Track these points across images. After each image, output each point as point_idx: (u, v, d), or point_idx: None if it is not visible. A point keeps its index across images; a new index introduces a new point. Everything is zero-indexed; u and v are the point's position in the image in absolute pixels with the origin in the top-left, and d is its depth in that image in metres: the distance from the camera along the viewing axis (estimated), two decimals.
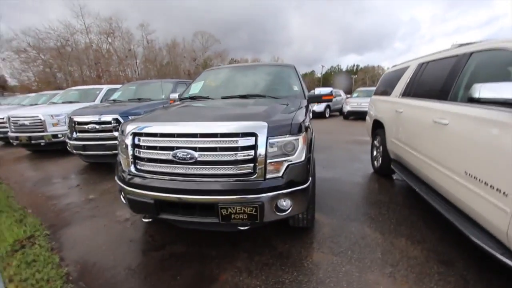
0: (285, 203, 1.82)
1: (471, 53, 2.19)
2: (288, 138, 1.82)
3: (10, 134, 6.11)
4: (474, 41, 2.35)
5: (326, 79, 67.42)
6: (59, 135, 5.82)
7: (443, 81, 2.45)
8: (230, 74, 3.80)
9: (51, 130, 5.85)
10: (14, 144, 6.13)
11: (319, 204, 2.88)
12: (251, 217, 1.76)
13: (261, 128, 1.78)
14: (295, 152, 1.85)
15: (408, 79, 3.34)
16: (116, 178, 2.17)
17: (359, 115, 11.99)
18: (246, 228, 1.95)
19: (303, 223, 2.32)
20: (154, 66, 40.20)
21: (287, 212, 1.84)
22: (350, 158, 5.27)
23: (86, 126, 4.52)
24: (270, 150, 1.78)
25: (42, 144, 5.89)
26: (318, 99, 3.12)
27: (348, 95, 17.74)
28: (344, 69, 79.41)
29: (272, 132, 1.79)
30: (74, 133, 4.61)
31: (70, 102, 6.99)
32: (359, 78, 64.61)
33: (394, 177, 3.96)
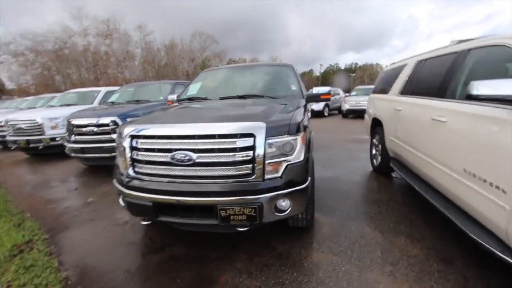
0: (284, 203, 1.81)
1: (469, 50, 2.18)
2: (287, 138, 1.82)
3: (8, 137, 6.09)
4: (473, 37, 2.33)
5: (325, 78, 67.43)
6: (57, 138, 5.81)
7: (441, 78, 2.44)
8: (228, 75, 3.80)
9: (49, 133, 5.84)
10: (12, 148, 6.11)
11: (318, 203, 2.87)
12: (250, 218, 1.75)
13: (259, 128, 1.77)
14: (293, 152, 1.84)
15: (407, 77, 3.33)
16: (114, 181, 2.16)
17: (358, 114, 12.00)
18: (245, 229, 1.94)
19: (302, 223, 2.32)
20: (152, 67, 40.15)
21: (286, 212, 1.83)
22: (349, 156, 5.27)
23: (84, 129, 4.51)
24: (268, 150, 1.77)
25: (40, 147, 5.88)
26: (316, 98, 3.12)
27: (347, 94, 17.75)
28: (342, 68, 79.36)
29: (271, 132, 1.78)
30: (72, 136, 4.59)
31: (68, 105, 6.97)
32: (357, 76, 64.65)
33: (393, 175, 3.96)
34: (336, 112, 16.16)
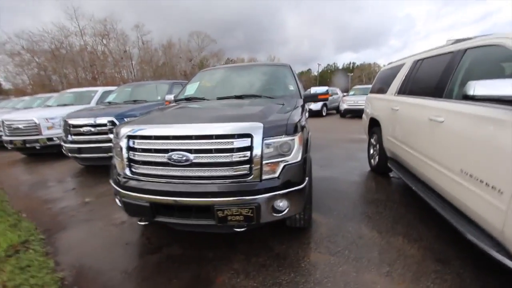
0: (282, 204, 1.81)
1: (466, 50, 2.19)
2: (284, 138, 1.81)
3: (4, 138, 6.04)
4: (469, 36, 2.33)
5: (323, 78, 67.52)
6: (54, 138, 5.78)
7: (438, 78, 2.45)
8: (225, 75, 3.79)
9: (46, 133, 5.81)
10: (9, 148, 6.07)
11: (316, 203, 2.87)
12: (247, 219, 1.74)
13: (256, 129, 1.77)
14: (291, 153, 1.84)
15: (404, 77, 3.34)
16: (111, 181, 2.15)
17: (356, 113, 12.04)
18: (242, 229, 1.94)
19: (300, 223, 2.32)
20: (150, 67, 40.01)
21: (283, 213, 1.83)
22: (347, 156, 5.28)
23: (81, 129, 4.48)
24: (266, 150, 1.77)
25: (37, 147, 5.84)
26: (314, 98, 3.12)
27: (345, 93, 17.78)
28: (340, 67, 79.35)
29: (268, 132, 1.78)
30: (69, 136, 4.56)
31: (65, 105, 6.93)
32: (355, 75, 64.73)
33: (391, 175, 3.97)
34: (334, 111, 16.20)
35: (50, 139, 5.80)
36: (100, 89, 7.57)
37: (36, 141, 5.76)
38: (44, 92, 20.43)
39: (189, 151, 1.79)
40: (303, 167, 1.92)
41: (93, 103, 6.91)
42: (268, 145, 1.77)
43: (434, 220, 2.50)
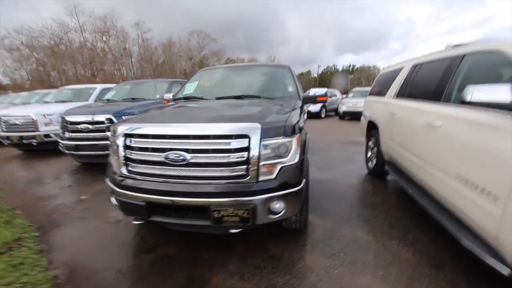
0: (278, 205, 1.80)
1: (464, 55, 2.19)
2: (282, 139, 1.81)
3: (0, 133, 5.99)
4: (469, 41, 2.34)
5: (322, 79, 67.62)
6: (51, 135, 5.73)
7: (436, 82, 2.46)
8: (225, 74, 3.78)
9: (43, 129, 5.75)
10: (5, 144, 6.02)
11: (313, 205, 2.87)
12: (243, 220, 1.74)
13: (254, 129, 1.76)
14: (288, 154, 1.84)
15: (402, 80, 3.35)
16: (107, 179, 2.14)
17: (355, 115, 12.04)
18: (238, 231, 1.93)
19: (296, 225, 2.31)
20: (150, 65, 39.93)
21: (280, 214, 1.83)
22: (345, 159, 5.28)
23: (79, 126, 4.45)
24: (263, 152, 1.76)
25: (34, 143, 5.80)
26: (312, 100, 3.12)
27: (344, 95, 17.81)
28: (340, 69, 79.63)
29: (266, 133, 1.77)
30: (67, 133, 4.53)
31: (63, 102, 6.88)
32: (355, 78, 64.98)
33: (388, 178, 3.98)
34: (333, 113, 16.22)
35: (47, 136, 5.75)
36: (99, 86, 7.53)
37: (33, 137, 5.72)
38: (42, 88, 20.31)
39: (186, 150, 1.78)
40: (300, 169, 1.91)
41: (91, 100, 6.87)
42: (265, 146, 1.77)
43: (430, 225, 2.51)
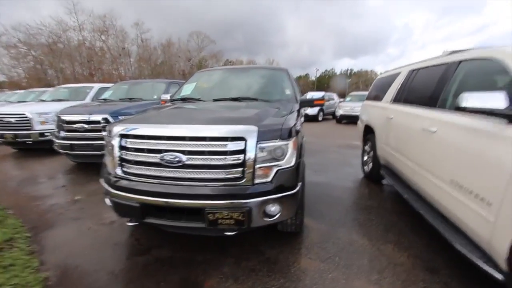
0: (274, 208, 1.80)
1: (460, 62, 2.22)
2: (278, 142, 1.81)
3: None
4: (465, 48, 2.36)
5: (320, 83, 67.94)
6: (46, 134, 5.68)
7: (432, 88, 2.48)
8: (223, 76, 3.78)
9: (38, 128, 5.70)
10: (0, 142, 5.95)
11: (308, 208, 2.87)
12: (238, 223, 1.73)
13: (250, 132, 1.76)
14: (284, 157, 1.84)
15: (399, 85, 3.38)
16: (101, 180, 2.12)
17: (352, 119, 12.10)
18: (233, 233, 1.92)
19: (291, 228, 2.31)
20: (148, 65, 39.79)
21: (275, 217, 1.82)
22: (341, 162, 5.29)
23: (74, 125, 4.41)
24: (259, 154, 1.76)
25: (28, 142, 5.74)
26: (310, 103, 3.13)
27: (341, 99, 17.90)
28: (338, 73, 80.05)
29: (262, 136, 1.77)
30: (62, 132, 4.49)
31: (60, 100, 6.83)
32: (352, 82, 65.31)
33: (384, 183, 3.99)
34: (331, 117, 16.28)
35: (42, 135, 5.69)
36: (96, 86, 7.49)
37: (28, 135, 5.66)
38: (39, 86, 20.18)
39: (182, 152, 1.78)
40: (296, 172, 1.91)
41: (88, 100, 6.82)
42: (262, 149, 1.76)
43: (425, 229, 2.52)
